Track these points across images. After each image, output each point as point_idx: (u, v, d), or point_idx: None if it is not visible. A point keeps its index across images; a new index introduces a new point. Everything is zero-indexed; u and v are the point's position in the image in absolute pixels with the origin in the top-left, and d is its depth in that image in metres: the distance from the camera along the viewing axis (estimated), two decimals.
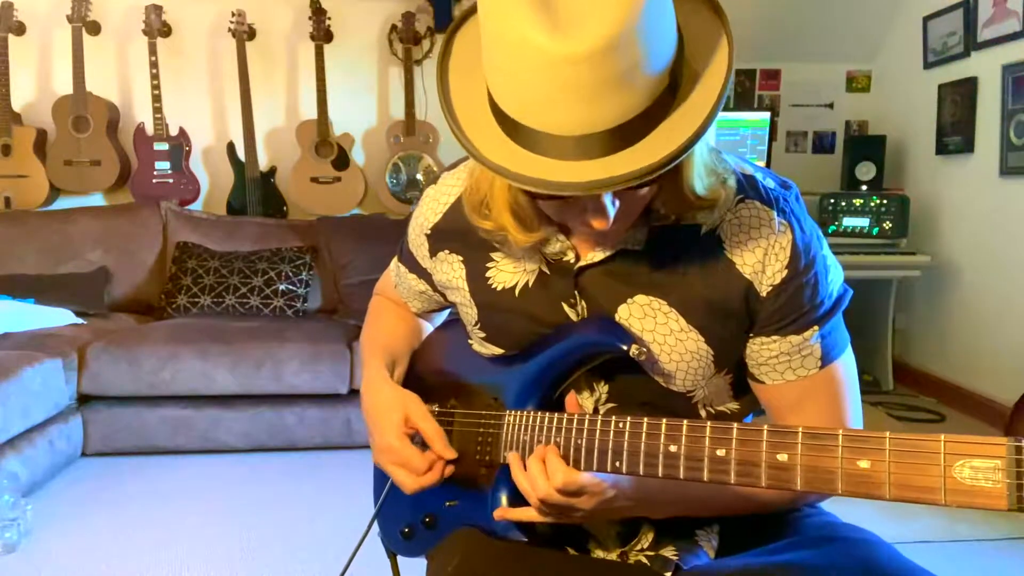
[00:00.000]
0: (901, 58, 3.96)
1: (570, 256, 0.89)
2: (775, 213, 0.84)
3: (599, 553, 0.94)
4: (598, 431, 0.80)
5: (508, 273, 0.93)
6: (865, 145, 3.88)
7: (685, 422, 0.73)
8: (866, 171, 3.77)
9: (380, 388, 1.02)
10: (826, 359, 0.86)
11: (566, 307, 0.90)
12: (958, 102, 3.48)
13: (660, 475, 0.74)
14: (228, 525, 2.28)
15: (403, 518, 1.03)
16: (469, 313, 0.99)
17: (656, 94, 0.68)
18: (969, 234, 3.48)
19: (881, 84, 4.19)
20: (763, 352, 0.86)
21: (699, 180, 0.78)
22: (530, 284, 0.92)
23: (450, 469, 0.95)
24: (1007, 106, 3.17)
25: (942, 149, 3.62)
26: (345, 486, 2.56)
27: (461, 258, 0.98)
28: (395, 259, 1.15)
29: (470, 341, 1.02)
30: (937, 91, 3.63)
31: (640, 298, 0.86)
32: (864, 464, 0.62)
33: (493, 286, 0.94)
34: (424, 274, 1.07)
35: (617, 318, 0.87)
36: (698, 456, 0.71)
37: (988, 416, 3.25)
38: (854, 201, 3.63)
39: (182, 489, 2.54)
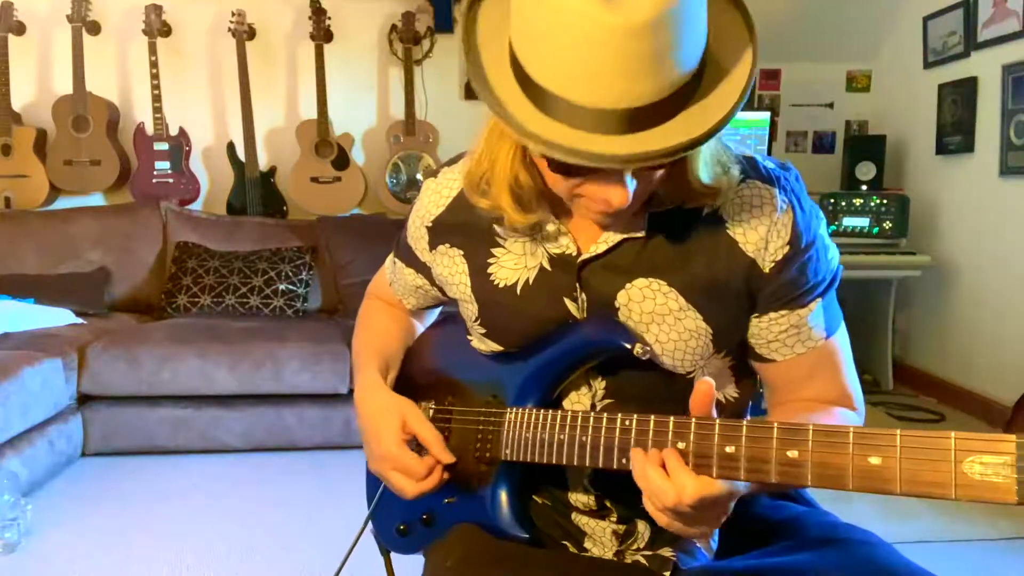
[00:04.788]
0: (901, 58, 3.96)
1: (572, 249, 0.89)
2: (777, 191, 0.85)
3: (595, 551, 0.94)
4: (603, 428, 0.80)
5: (509, 269, 0.93)
6: (865, 145, 3.88)
7: (693, 419, 0.73)
8: (866, 171, 3.77)
9: (375, 396, 1.02)
10: (829, 330, 0.89)
11: (568, 301, 0.90)
12: (958, 102, 3.48)
13: None
14: (228, 525, 2.28)
15: (399, 516, 1.03)
16: (469, 309, 0.98)
17: (689, 77, 0.70)
18: (969, 234, 3.48)
19: (881, 84, 4.19)
20: (772, 328, 0.88)
21: (705, 169, 0.80)
22: (531, 280, 0.92)
23: (447, 474, 0.95)
24: (1007, 106, 3.17)
25: (942, 149, 3.62)
26: (345, 486, 2.56)
27: (462, 252, 0.98)
28: (390, 256, 1.15)
29: (469, 337, 1.02)
30: (937, 91, 3.63)
31: (639, 281, 0.87)
32: (875, 460, 0.63)
33: (495, 282, 0.94)
34: (423, 268, 1.07)
35: (616, 303, 0.88)
36: (707, 453, 0.71)
37: (988, 416, 3.25)
38: (854, 201, 3.63)
39: (182, 489, 2.54)
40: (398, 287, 1.14)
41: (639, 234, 0.86)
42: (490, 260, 0.95)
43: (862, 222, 3.59)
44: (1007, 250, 3.23)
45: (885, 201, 3.58)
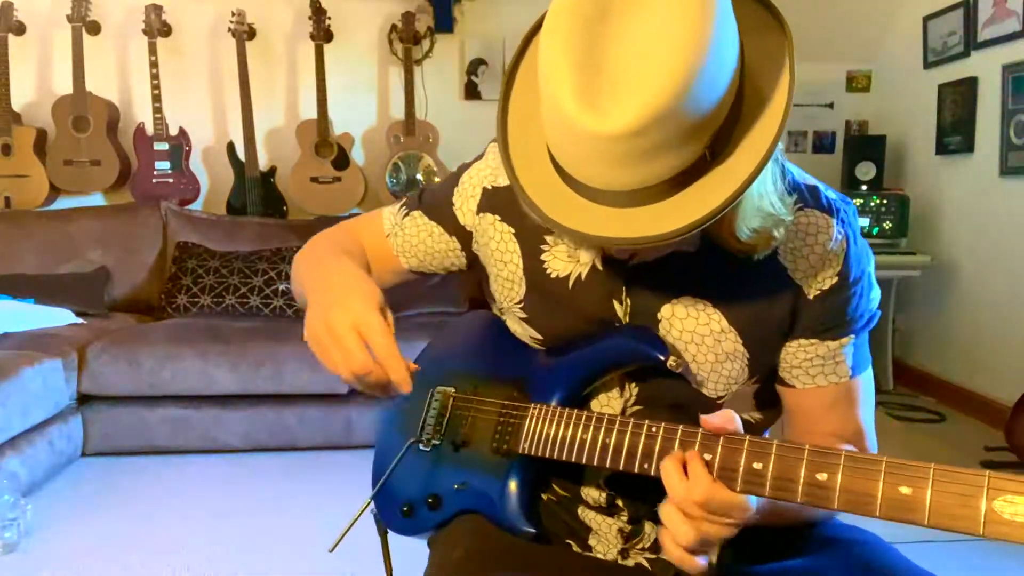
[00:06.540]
0: (901, 58, 3.96)
1: (623, 253, 0.88)
2: (835, 222, 0.85)
3: (599, 549, 0.95)
4: (629, 432, 0.80)
5: (562, 261, 0.93)
6: (865, 145, 3.88)
7: (722, 436, 0.73)
8: (866, 171, 3.77)
9: (354, 271, 0.92)
10: (856, 369, 0.88)
11: (615, 303, 0.90)
12: (958, 102, 3.48)
13: None
14: (228, 525, 2.28)
15: (405, 496, 1.01)
16: (514, 290, 0.97)
17: (694, 158, 0.69)
18: (969, 234, 3.48)
19: (881, 84, 4.19)
20: (799, 355, 0.87)
21: (744, 226, 0.77)
22: (583, 277, 0.92)
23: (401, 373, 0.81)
24: (1007, 106, 3.17)
25: (942, 149, 3.62)
26: (345, 486, 2.55)
27: (513, 231, 0.96)
28: (396, 208, 1.07)
29: (501, 311, 1.01)
30: (937, 91, 3.63)
31: (686, 299, 0.87)
32: (905, 490, 0.62)
33: (548, 271, 0.94)
34: (459, 231, 1.01)
35: (659, 316, 0.88)
36: (733, 467, 0.71)
37: (988, 416, 3.25)
38: (854, 201, 3.62)
39: (182, 489, 2.54)
40: (401, 240, 1.05)
41: (691, 249, 0.85)
42: (543, 247, 0.94)
43: (862, 222, 3.59)
44: (1007, 250, 3.23)
45: (885, 201, 3.59)
